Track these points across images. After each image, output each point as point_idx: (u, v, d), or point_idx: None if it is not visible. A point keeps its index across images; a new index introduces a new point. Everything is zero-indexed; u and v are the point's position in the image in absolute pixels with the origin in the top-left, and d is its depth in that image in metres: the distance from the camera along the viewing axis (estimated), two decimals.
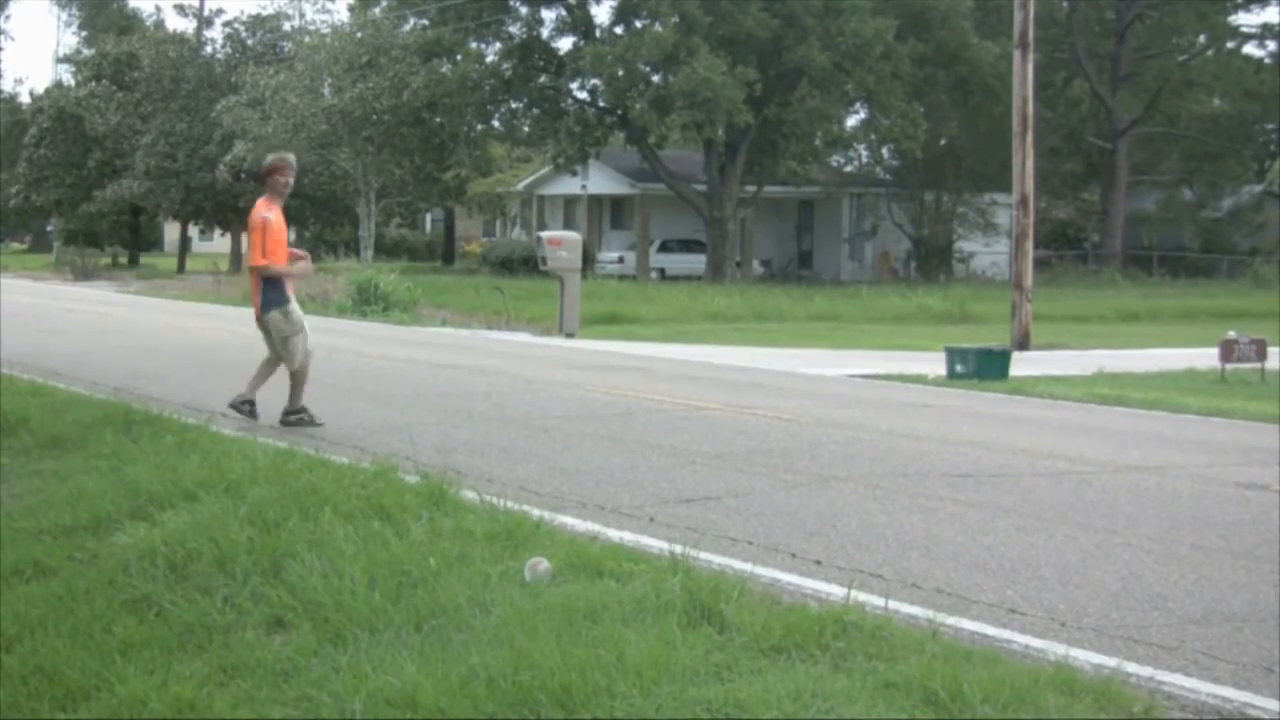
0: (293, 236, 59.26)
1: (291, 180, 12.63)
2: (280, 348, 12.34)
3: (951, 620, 6.18)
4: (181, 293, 43.34)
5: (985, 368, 19.01)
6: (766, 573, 7.08)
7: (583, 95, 52.43)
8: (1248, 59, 60.07)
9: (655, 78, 48.90)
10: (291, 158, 12.74)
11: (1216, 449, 12.33)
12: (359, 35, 52.99)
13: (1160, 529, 8.48)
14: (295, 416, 12.21)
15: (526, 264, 51.02)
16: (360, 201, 54.65)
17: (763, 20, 47.06)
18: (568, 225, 56.89)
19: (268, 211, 12.36)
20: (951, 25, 49.97)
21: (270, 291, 12.25)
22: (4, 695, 6.41)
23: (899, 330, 32.51)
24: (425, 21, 53.16)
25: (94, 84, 64.76)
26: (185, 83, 60.56)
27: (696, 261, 52.98)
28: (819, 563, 7.41)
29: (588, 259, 45.30)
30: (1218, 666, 5.77)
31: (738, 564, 7.14)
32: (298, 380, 12.32)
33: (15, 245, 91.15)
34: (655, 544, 7.51)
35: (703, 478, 9.91)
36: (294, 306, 12.33)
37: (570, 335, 27.88)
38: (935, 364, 20.09)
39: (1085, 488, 9.87)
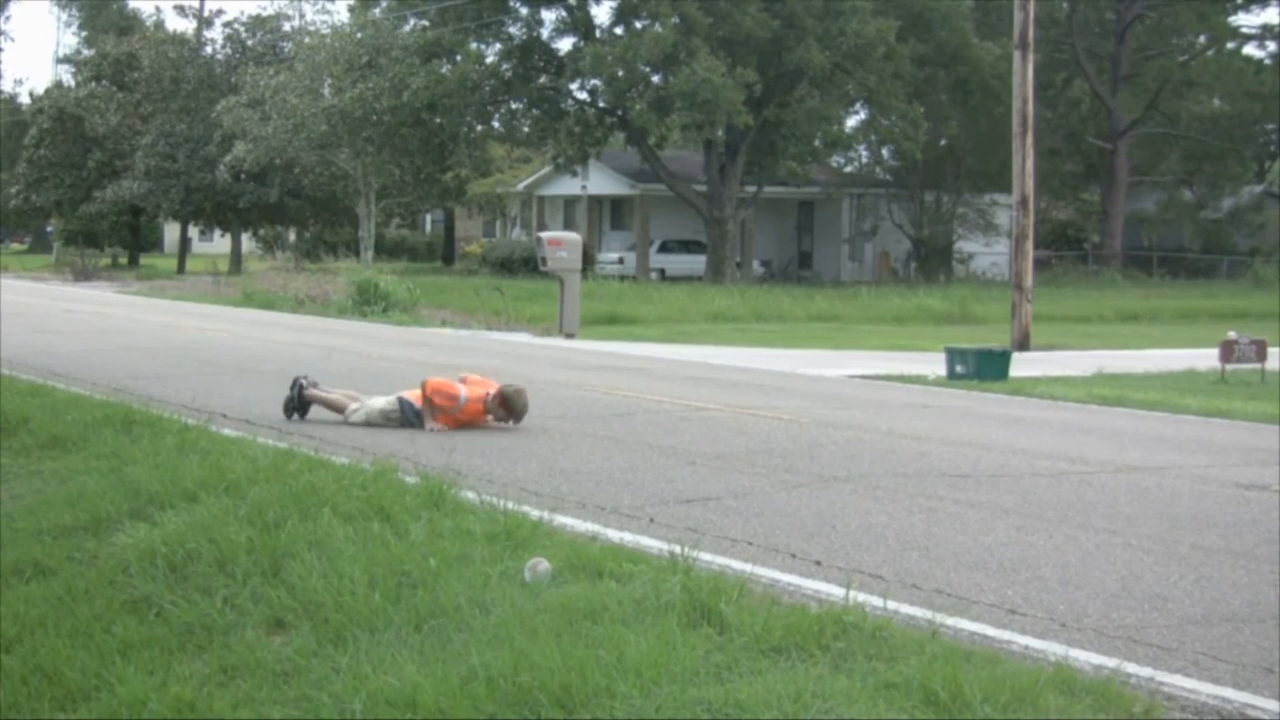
0: (292, 237, 59.23)
1: (494, 418, 12.19)
2: (363, 409, 12.36)
3: (951, 621, 6.18)
4: (181, 293, 43.33)
5: (985, 368, 19.00)
6: (766, 573, 7.07)
7: (583, 96, 52.45)
8: (1248, 59, 60.08)
9: (655, 78, 48.90)
10: (519, 406, 12.18)
11: (1216, 449, 12.32)
12: (359, 36, 52.99)
13: (1160, 529, 8.48)
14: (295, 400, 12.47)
15: (526, 264, 51.02)
16: (360, 202, 54.65)
17: (762, 21, 47.07)
18: (568, 226, 56.89)
19: (472, 401, 12.10)
20: (952, 26, 49.99)
21: (409, 411, 12.13)
22: (4, 695, 6.42)
23: (899, 331, 32.51)
24: (425, 22, 53.15)
25: (94, 84, 64.75)
26: (185, 83, 60.55)
27: (696, 262, 52.98)
28: (819, 563, 7.41)
29: (588, 259, 45.27)
30: (1218, 667, 5.77)
31: (738, 564, 7.13)
32: (335, 404, 12.42)
33: (15, 245, 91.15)
34: (655, 544, 7.51)
35: (703, 478, 9.91)
36: (359, 415, 12.23)
37: (570, 336, 27.87)
38: (935, 364, 20.09)
39: (1085, 488, 9.87)
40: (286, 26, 65.12)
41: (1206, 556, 7.77)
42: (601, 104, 51.42)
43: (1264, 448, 12.39)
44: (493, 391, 12.17)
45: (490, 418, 12.14)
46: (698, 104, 44.81)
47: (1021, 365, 20.90)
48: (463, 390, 12.13)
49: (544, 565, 6.79)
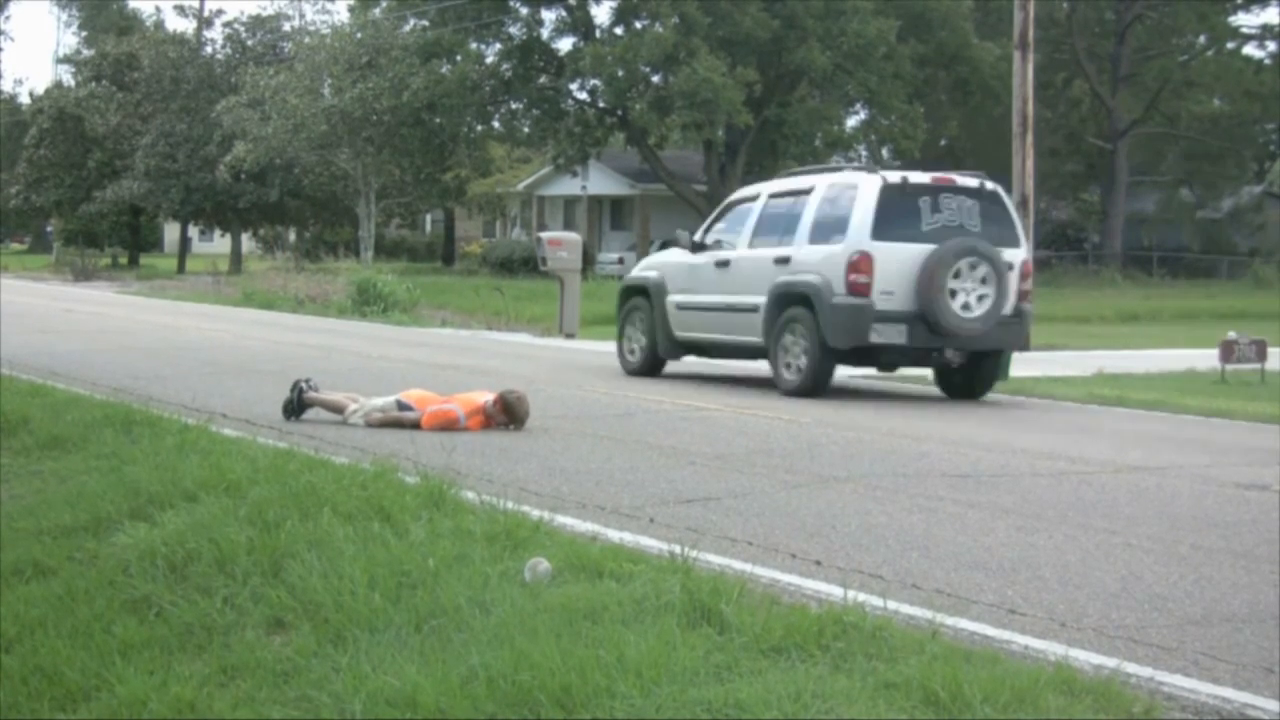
0: (292, 237, 59.19)
1: (496, 423, 12.10)
2: (362, 409, 12.32)
3: (951, 621, 6.18)
4: (181, 293, 43.34)
5: None
6: (766, 573, 7.07)
7: (583, 96, 52.48)
8: (1248, 59, 60.11)
9: (655, 78, 48.94)
10: (521, 413, 12.12)
11: (1217, 449, 12.32)
12: (359, 36, 53.03)
13: (1160, 529, 8.47)
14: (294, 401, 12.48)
15: (526, 264, 51.05)
16: (360, 202, 54.66)
17: (762, 21, 47.10)
18: (568, 226, 56.91)
19: (466, 414, 12.10)
20: (952, 26, 50.03)
21: (407, 410, 12.17)
22: (4, 695, 6.42)
23: None
24: (425, 22, 53.19)
25: (94, 84, 64.79)
26: (185, 83, 60.60)
27: None
28: (819, 563, 7.41)
29: (588, 260, 45.32)
30: (1218, 667, 5.76)
31: (738, 564, 7.13)
32: (335, 405, 12.40)
33: (15, 245, 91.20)
34: (655, 544, 7.51)
35: (703, 478, 9.91)
36: (358, 416, 12.20)
37: (570, 336, 27.88)
38: None
39: (1085, 488, 9.87)
40: (286, 26, 65.21)
41: (1206, 556, 7.77)
42: (601, 104, 51.44)
43: (1264, 448, 12.39)
44: (492, 399, 12.20)
45: (493, 423, 12.17)
46: (698, 104, 44.83)
47: (1021, 365, 20.84)
48: (458, 409, 12.13)
49: (544, 565, 6.79)
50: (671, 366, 18.58)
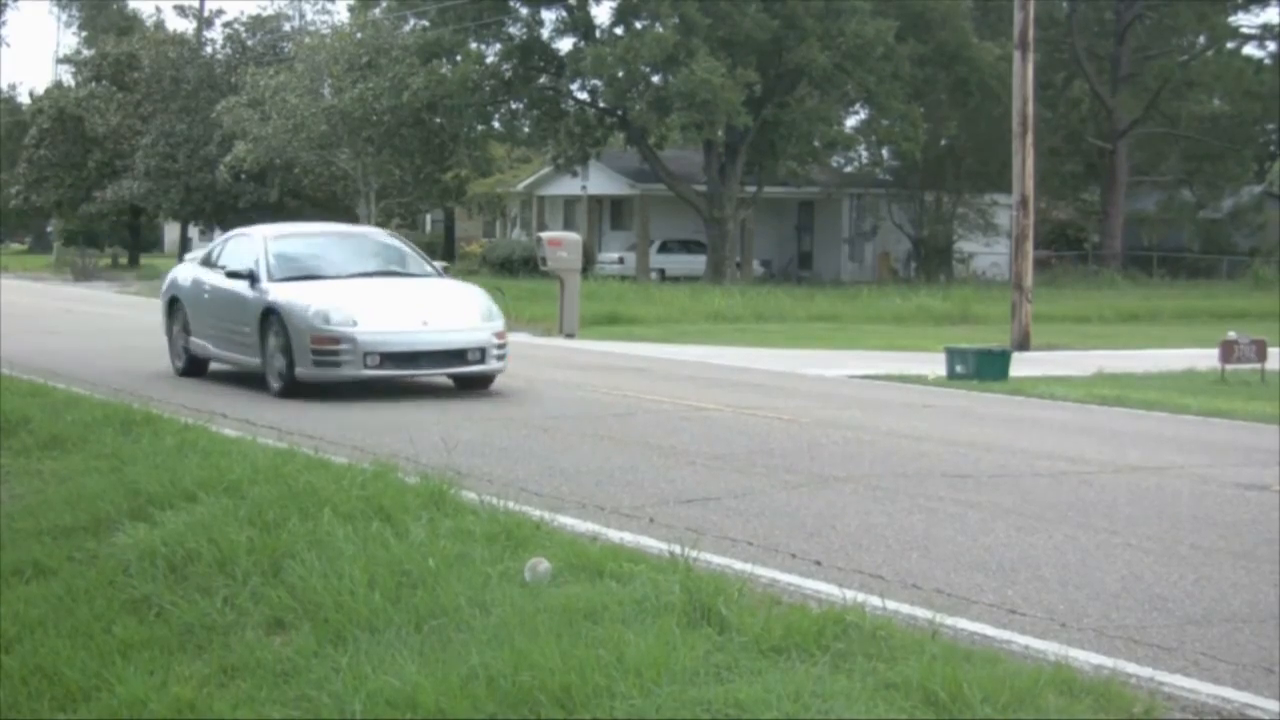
0: None
1: None
2: None
3: (951, 621, 6.18)
4: None
5: (985, 368, 18.99)
6: (766, 573, 7.07)
7: (583, 96, 52.47)
8: (1248, 59, 60.07)
9: (655, 79, 48.93)
10: None
11: (1217, 449, 12.31)
12: (359, 36, 53.01)
13: (1160, 529, 8.47)
14: None
15: (526, 264, 51.02)
16: (360, 202, 54.63)
17: (762, 21, 47.09)
18: (568, 226, 56.88)
19: None
20: (951, 26, 49.98)
21: None
22: (4, 695, 6.42)
23: (899, 331, 32.48)
24: (425, 22, 53.17)
25: (94, 84, 64.75)
26: (185, 83, 60.56)
27: (696, 262, 52.96)
28: (819, 563, 7.41)
29: (588, 259, 45.29)
30: (1218, 667, 5.77)
31: (738, 564, 7.14)
32: None
33: (15, 246, 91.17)
34: (655, 544, 7.51)
35: (703, 478, 9.91)
36: None
37: (570, 335, 27.87)
38: (935, 364, 20.08)
39: (1085, 488, 9.87)
40: (286, 27, 65.14)
41: (1206, 556, 7.77)
42: (601, 104, 51.45)
43: (1264, 448, 12.38)
44: None
45: None
46: (697, 104, 44.83)
47: (1021, 365, 20.89)
48: None
49: (544, 565, 6.79)
50: (670, 366, 18.48)
